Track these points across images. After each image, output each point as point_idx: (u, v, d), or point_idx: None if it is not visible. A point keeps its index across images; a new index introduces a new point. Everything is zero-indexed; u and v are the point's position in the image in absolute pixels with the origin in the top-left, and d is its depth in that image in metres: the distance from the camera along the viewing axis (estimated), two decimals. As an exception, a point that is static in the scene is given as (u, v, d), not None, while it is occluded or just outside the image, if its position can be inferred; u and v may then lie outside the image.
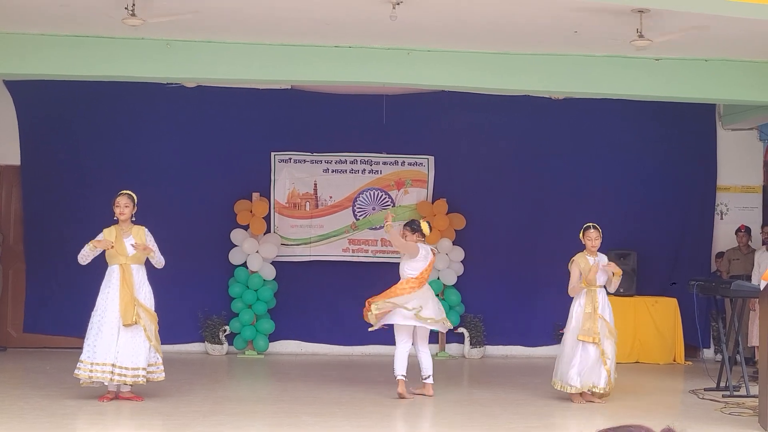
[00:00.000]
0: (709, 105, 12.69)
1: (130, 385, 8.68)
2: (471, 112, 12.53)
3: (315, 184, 12.64)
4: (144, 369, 8.53)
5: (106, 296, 8.63)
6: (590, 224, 9.36)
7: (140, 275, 8.73)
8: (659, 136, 12.89)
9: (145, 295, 8.69)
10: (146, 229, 8.82)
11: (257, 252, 12.25)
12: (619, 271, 9.37)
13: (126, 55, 9.50)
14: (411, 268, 9.27)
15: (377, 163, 12.71)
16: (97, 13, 8.53)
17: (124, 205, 8.75)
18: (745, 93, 10.20)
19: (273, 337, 12.41)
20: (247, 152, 12.47)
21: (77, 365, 8.59)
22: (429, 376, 9.32)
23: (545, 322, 12.63)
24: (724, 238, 12.94)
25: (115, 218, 8.81)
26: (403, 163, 12.74)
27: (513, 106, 12.31)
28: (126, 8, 7.93)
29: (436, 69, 9.87)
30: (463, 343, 12.58)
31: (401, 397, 9.09)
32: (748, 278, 11.15)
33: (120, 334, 8.53)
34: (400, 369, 9.13)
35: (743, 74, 10.00)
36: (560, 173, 12.78)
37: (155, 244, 8.80)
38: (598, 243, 9.29)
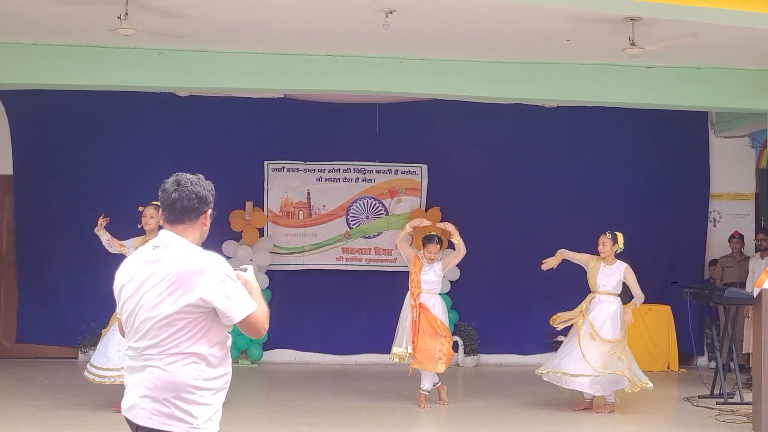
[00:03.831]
0: (701, 113, 12.72)
1: None
2: (464, 120, 12.53)
3: (308, 193, 12.64)
4: None
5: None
6: (607, 231, 9.44)
7: None
8: (652, 144, 12.91)
9: None
10: None
11: (251, 260, 12.23)
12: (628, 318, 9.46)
13: (118, 64, 9.50)
14: None
15: (370, 171, 12.70)
16: (90, 23, 8.52)
17: (150, 215, 8.81)
18: (737, 101, 10.23)
19: (267, 347, 12.39)
20: (240, 161, 12.45)
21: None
22: (425, 389, 9.39)
23: (539, 330, 12.61)
24: (717, 245, 12.97)
25: (140, 226, 8.90)
26: (396, 171, 12.74)
27: (506, 115, 12.32)
28: (118, 17, 7.92)
29: (429, 77, 9.88)
30: (457, 351, 12.56)
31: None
32: (742, 285, 11.16)
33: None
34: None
35: (735, 82, 10.03)
36: (553, 181, 12.79)
37: None
38: (605, 249, 9.33)
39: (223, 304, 3.60)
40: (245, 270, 3.78)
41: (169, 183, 3.75)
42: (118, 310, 3.79)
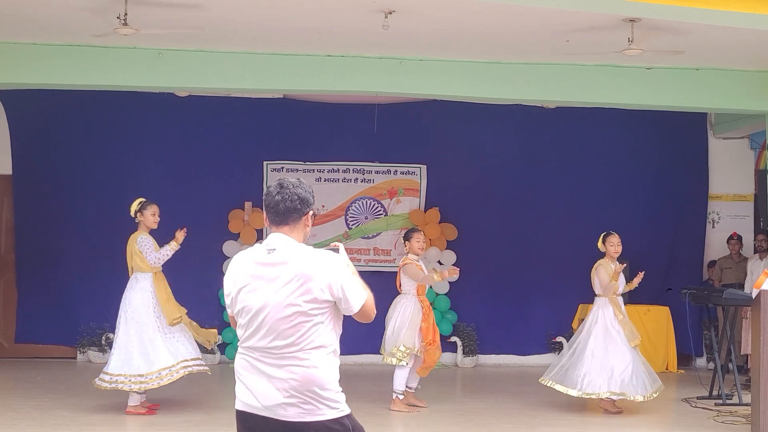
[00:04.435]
0: (700, 114, 12.73)
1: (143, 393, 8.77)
2: (463, 121, 12.54)
3: (307, 193, 12.62)
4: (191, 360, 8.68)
5: (143, 303, 8.71)
6: (611, 231, 9.40)
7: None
8: (651, 145, 12.92)
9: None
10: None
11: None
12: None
13: (118, 64, 9.49)
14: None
15: (369, 172, 12.71)
16: (89, 23, 8.52)
17: (158, 214, 8.92)
18: (736, 102, 10.22)
19: (265, 347, 12.37)
20: (239, 161, 12.46)
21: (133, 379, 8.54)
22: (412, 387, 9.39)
23: (538, 330, 12.64)
24: (716, 246, 12.98)
25: (137, 224, 8.92)
26: (395, 171, 12.74)
27: (505, 115, 12.33)
28: (118, 17, 7.92)
29: (428, 78, 9.88)
30: (455, 352, 12.57)
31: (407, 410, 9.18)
32: (741, 287, 11.17)
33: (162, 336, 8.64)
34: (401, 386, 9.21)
35: (734, 83, 10.03)
36: (552, 182, 12.79)
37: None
38: (620, 249, 9.31)
39: (346, 295, 3.84)
40: (337, 250, 3.96)
41: (273, 186, 3.96)
42: (234, 312, 3.92)
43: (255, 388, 3.85)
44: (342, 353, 11.80)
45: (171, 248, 8.78)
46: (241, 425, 3.93)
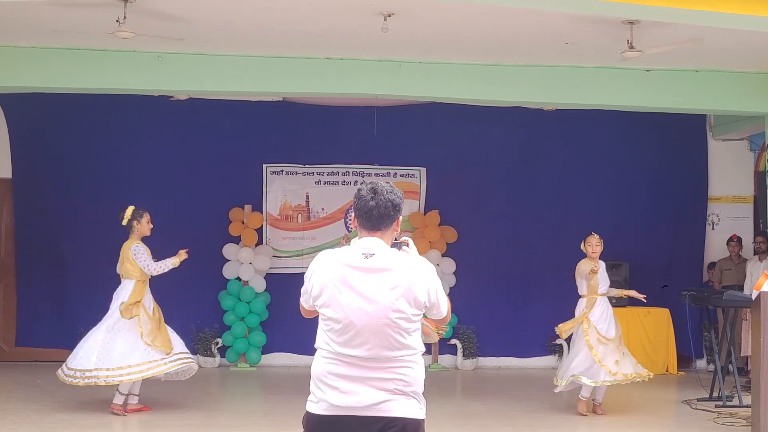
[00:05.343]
0: (699, 116, 12.73)
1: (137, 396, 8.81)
2: (462, 123, 12.53)
3: (307, 196, 12.64)
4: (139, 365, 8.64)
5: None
6: (591, 232, 9.38)
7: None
8: (650, 147, 12.92)
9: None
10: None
11: (250, 264, 12.23)
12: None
13: (117, 67, 9.49)
14: None
15: (369, 174, 12.70)
16: (89, 26, 8.53)
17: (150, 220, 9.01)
18: (735, 103, 10.23)
19: (265, 350, 12.39)
20: (238, 164, 12.46)
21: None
22: None
23: (538, 333, 12.62)
24: (715, 248, 12.98)
25: (129, 232, 8.97)
26: (395, 174, 12.74)
27: (504, 118, 12.32)
28: (117, 21, 7.92)
29: (428, 80, 9.89)
30: (455, 354, 12.57)
31: None
32: (740, 288, 11.17)
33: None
34: None
35: (734, 85, 10.04)
36: (552, 184, 12.79)
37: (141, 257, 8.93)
38: (598, 249, 9.25)
39: (438, 300, 3.90)
40: (407, 244, 3.99)
41: (365, 191, 3.93)
42: (331, 316, 3.80)
43: (352, 390, 3.77)
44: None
45: (172, 263, 8.90)
46: (326, 428, 3.81)
